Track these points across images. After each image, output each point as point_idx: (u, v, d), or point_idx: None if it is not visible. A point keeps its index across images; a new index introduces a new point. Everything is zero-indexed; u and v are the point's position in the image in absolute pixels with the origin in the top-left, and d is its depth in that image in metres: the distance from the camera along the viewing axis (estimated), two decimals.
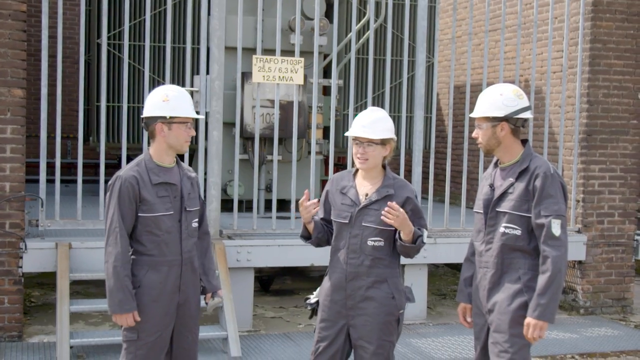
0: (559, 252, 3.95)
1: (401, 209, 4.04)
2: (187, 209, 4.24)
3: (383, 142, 4.20)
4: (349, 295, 4.23)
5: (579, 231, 8.18)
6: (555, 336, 7.16)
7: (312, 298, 4.43)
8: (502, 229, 4.11)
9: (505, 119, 4.07)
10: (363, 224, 4.20)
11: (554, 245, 3.96)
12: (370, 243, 4.19)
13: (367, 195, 4.24)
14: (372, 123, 4.20)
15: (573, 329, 7.51)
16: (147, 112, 4.19)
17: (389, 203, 4.05)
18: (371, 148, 4.19)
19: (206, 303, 4.42)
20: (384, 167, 4.31)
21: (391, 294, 4.21)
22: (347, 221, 4.24)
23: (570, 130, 8.25)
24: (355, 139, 4.22)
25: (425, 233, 4.24)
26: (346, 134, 4.43)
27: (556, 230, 3.96)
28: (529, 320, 3.98)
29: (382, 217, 4.05)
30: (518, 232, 4.06)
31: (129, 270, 4.08)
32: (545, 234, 3.98)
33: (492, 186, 4.19)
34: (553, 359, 6.48)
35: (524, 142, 4.19)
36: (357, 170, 4.35)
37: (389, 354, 4.26)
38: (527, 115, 4.12)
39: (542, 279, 3.97)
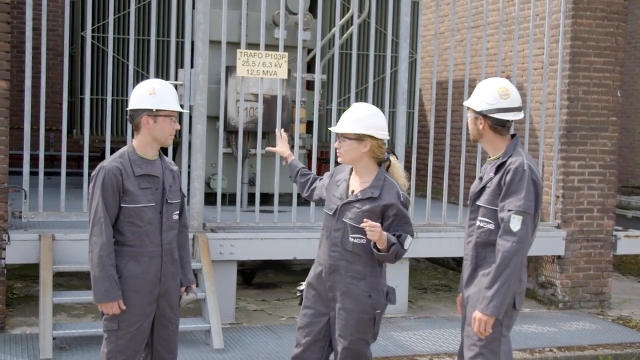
0: (512, 247, 3.91)
1: (374, 223, 4.05)
2: (169, 201, 4.29)
3: (359, 138, 4.20)
4: (330, 287, 4.28)
5: (558, 227, 8.28)
6: (534, 330, 7.26)
7: (302, 286, 4.50)
8: (478, 223, 4.15)
9: (482, 114, 4.11)
10: (344, 219, 4.24)
11: (509, 239, 3.93)
12: (351, 239, 4.22)
13: (353, 191, 4.28)
14: (350, 118, 4.25)
15: (552, 322, 7.60)
16: (133, 104, 4.23)
17: (363, 224, 4.05)
18: (345, 143, 4.23)
19: (180, 296, 4.48)
20: (380, 164, 4.31)
21: (368, 292, 4.21)
22: (331, 213, 4.30)
23: (551, 127, 8.34)
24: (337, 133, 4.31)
25: (409, 240, 4.19)
26: (330, 129, 4.51)
27: (514, 225, 3.92)
28: (475, 313, 3.99)
29: (367, 231, 4.05)
30: (491, 226, 4.07)
31: (114, 259, 4.12)
32: (503, 228, 3.97)
33: (480, 179, 4.23)
34: (532, 352, 6.57)
35: (514, 136, 4.19)
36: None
37: (361, 351, 4.26)
38: (508, 116, 4.08)
39: (490, 273, 3.97)
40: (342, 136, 4.24)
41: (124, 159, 4.21)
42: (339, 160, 4.33)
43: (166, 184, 4.29)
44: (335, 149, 4.35)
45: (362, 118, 4.24)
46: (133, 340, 4.21)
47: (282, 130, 4.97)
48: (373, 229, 4.02)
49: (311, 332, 4.32)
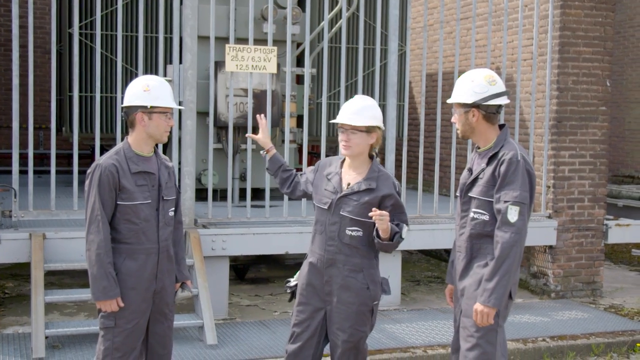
0: (511, 238, 3.94)
1: (384, 212, 4.06)
2: (165, 198, 4.28)
3: (368, 130, 4.21)
4: (327, 282, 4.28)
5: (549, 216, 8.29)
6: (527, 320, 7.28)
7: (292, 281, 4.48)
8: (471, 214, 4.15)
9: (476, 105, 4.12)
10: (341, 212, 4.23)
11: (507, 231, 3.95)
12: (348, 232, 4.23)
13: (349, 184, 4.27)
14: (357, 110, 4.22)
15: (544, 312, 7.63)
16: (127, 101, 4.21)
17: (371, 213, 4.04)
18: (355, 135, 4.21)
19: (175, 292, 4.47)
20: (372, 157, 4.32)
21: (366, 284, 4.24)
22: (326, 207, 4.28)
23: (541, 117, 8.35)
24: (341, 126, 4.24)
25: (405, 228, 4.22)
26: (332, 121, 4.44)
27: (512, 216, 3.95)
28: (476, 305, 4.00)
29: (376, 220, 4.03)
30: (486, 218, 4.08)
31: (111, 257, 4.11)
32: (500, 220, 3.98)
33: (470, 170, 4.23)
34: (525, 342, 6.58)
35: (502, 126, 4.20)
36: (345, 158, 4.38)
37: (360, 343, 4.31)
38: (500, 101, 4.11)
39: (490, 264, 3.99)
40: (352, 128, 4.21)
41: (120, 156, 4.19)
42: (344, 152, 4.27)
43: (162, 181, 4.28)
44: (341, 141, 4.25)
45: (367, 108, 4.24)
46: (130, 337, 4.21)
47: (262, 115, 4.83)
48: (382, 218, 4.02)
49: (308, 328, 4.32)
